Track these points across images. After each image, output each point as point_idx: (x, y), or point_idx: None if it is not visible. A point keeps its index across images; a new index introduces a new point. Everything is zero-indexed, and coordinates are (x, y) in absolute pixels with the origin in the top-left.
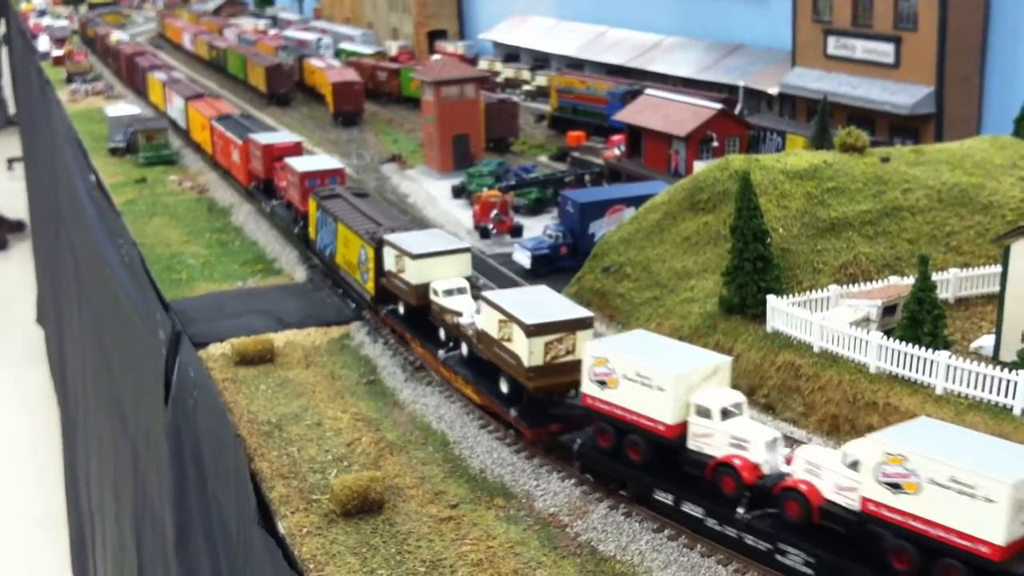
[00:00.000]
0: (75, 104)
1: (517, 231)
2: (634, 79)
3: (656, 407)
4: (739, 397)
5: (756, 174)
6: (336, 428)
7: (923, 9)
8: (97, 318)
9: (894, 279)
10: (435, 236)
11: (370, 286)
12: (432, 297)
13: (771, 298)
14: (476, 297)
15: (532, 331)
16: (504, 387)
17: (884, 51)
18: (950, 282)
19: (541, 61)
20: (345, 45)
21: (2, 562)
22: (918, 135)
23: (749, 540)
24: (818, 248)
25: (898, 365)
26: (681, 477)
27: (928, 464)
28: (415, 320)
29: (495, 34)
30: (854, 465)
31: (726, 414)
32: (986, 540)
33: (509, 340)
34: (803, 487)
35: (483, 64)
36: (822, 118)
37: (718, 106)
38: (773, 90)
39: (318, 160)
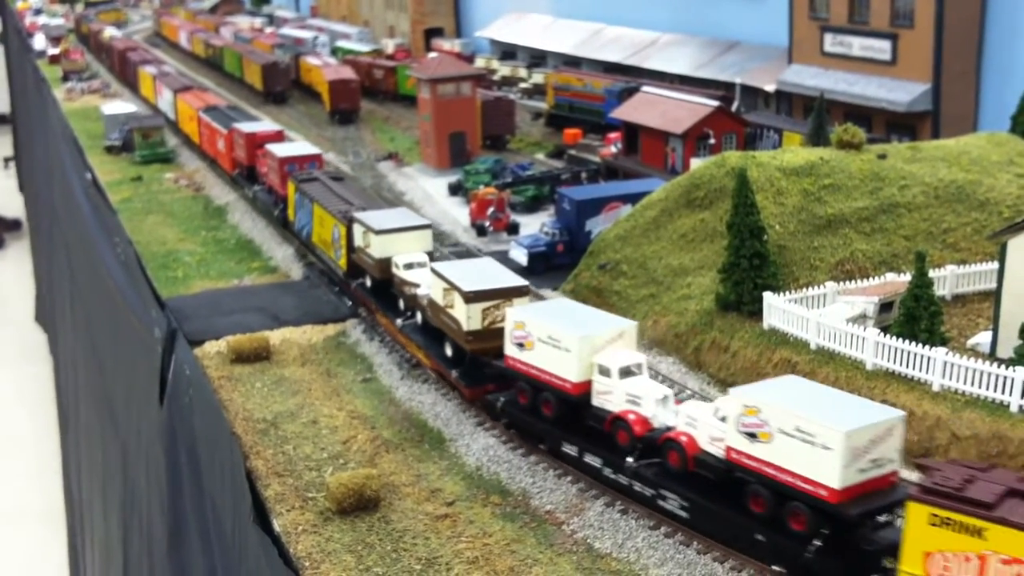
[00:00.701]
0: (71, 102)
1: (514, 228)
2: (631, 76)
3: (564, 367)
4: (639, 358)
5: (753, 171)
6: (332, 426)
7: (920, 6)
8: (90, 316)
9: (891, 276)
10: (400, 214)
11: (342, 262)
12: (394, 270)
13: (768, 295)
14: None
15: (470, 297)
16: (448, 351)
17: (881, 48)
18: (947, 279)
19: (538, 58)
20: (341, 43)
21: (4, 557)
22: (915, 132)
23: (637, 486)
24: (815, 245)
25: (895, 362)
26: (586, 431)
27: (777, 414)
28: (380, 292)
29: (492, 32)
30: (723, 418)
31: (625, 373)
32: (824, 484)
33: (452, 307)
34: (683, 439)
35: (480, 62)
36: (819, 115)
37: (715, 103)
38: (770, 87)
39: (297, 146)
